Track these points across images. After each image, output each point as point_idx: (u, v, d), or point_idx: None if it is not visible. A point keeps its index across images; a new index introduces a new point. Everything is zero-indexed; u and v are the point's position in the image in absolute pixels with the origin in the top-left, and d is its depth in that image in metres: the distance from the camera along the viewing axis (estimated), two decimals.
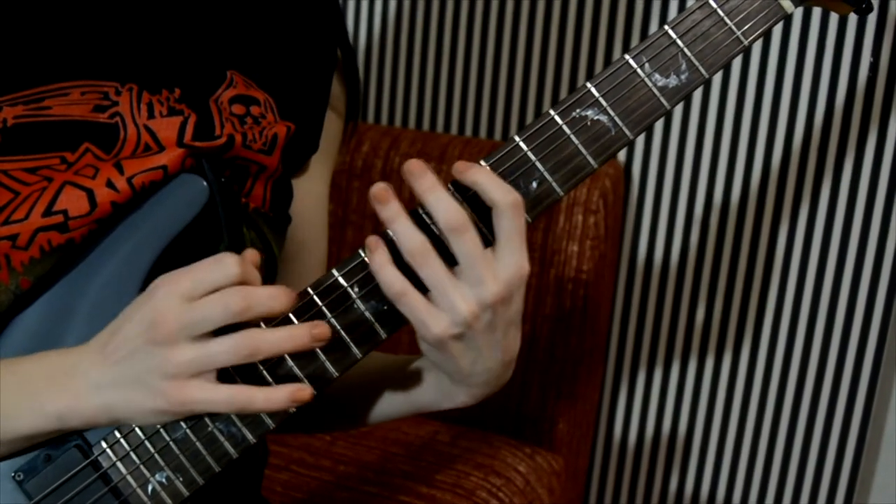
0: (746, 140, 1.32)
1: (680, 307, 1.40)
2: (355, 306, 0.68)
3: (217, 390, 0.64)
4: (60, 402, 0.64)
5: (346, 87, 0.88)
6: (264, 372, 0.67)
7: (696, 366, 1.42)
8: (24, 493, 0.66)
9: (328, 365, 0.68)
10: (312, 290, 0.68)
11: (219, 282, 0.63)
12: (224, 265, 0.64)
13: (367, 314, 0.68)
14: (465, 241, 0.65)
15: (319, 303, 0.68)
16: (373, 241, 0.67)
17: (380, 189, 0.65)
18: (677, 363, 1.43)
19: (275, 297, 0.64)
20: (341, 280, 0.68)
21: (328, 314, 0.68)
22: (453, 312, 0.65)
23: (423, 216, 0.67)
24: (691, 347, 1.41)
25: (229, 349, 0.63)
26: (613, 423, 1.48)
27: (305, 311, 0.68)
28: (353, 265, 0.68)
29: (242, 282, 0.64)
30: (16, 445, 0.66)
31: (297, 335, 0.65)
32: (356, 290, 0.68)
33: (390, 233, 0.66)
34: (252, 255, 0.66)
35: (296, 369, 0.67)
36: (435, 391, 0.75)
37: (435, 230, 0.66)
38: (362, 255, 0.68)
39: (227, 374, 0.65)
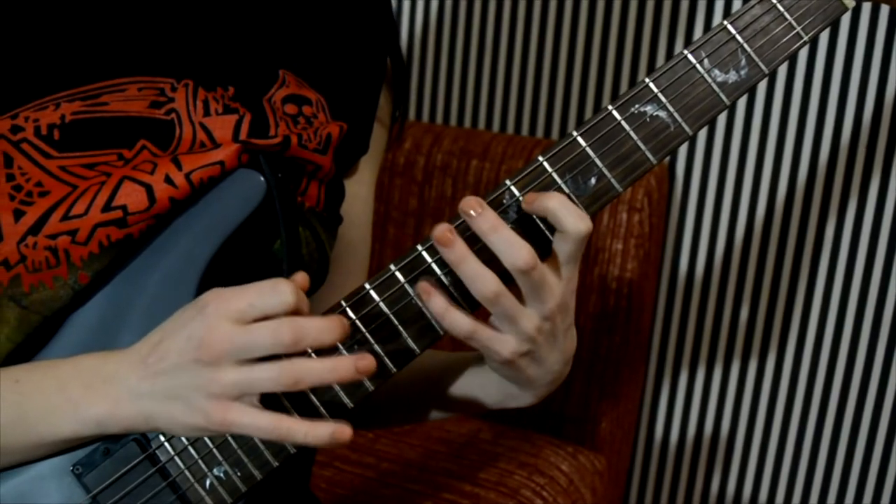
0: (792, 138, 1.31)
1: (723, 306, 1.39)
2: (391, 322, 0.68)
3: (260, 416, 0.63)
4: (99, 408, 0.65)
5: (393, 98, 0.88)
6: (286, 402, 0.66)
7: (739, 366, 1.40)
8: (83, 486, 0.67)
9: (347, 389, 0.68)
10: (345, 302, 0.67)
11: (273, 308, 0.63)
12: (280, 292, 0.63)
13: (402, 329, 0.68)
14: (533, 276, 0.65)
15: (354, 317, 0.67)
16: (427, 287, 0.66)
17: (442, 232, 0.64)
18: (720, 363, 1.41)
19: (325, 330, 0.63)
20: (373, 294, 0.68)
21: (363, 329, 0.68)
22: (520, 334, 0.67)
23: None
24: (734, 348, 1.40)
25: (272, 377, 0.63)
26: (655, 423, 1.47)
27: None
28: (383, 279, 0.67)
29: (296, 310, 0.63)
30: (56, 447, 0.67)
31: (342, 368, 0.63)
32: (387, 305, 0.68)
33: (458, 274, 0.65)
34: (302, 278, 0.65)
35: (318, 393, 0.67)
36: (499, 392, 0.76)
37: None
38: (392, 268, 0.67)
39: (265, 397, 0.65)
